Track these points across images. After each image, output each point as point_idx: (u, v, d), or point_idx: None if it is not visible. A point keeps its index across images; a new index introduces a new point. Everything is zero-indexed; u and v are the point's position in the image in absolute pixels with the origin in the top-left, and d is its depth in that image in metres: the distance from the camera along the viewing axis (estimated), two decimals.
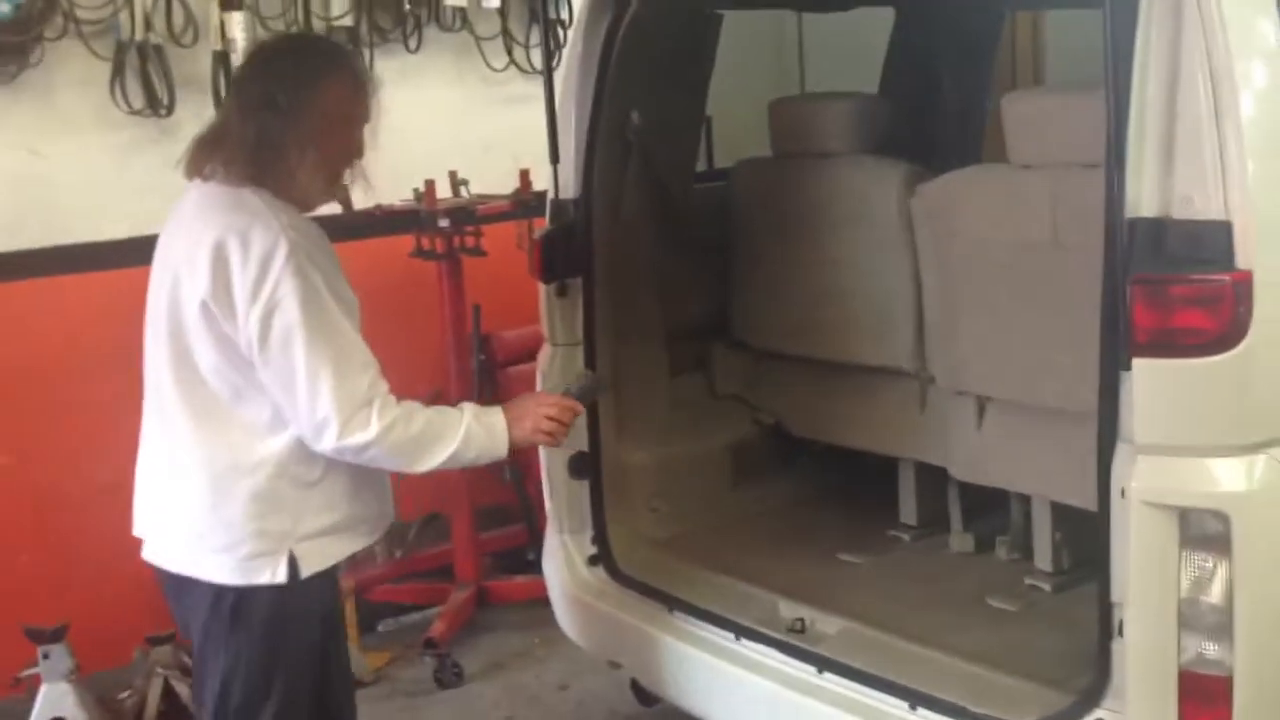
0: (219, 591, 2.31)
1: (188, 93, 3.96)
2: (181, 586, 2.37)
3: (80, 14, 3.74)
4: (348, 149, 2.37)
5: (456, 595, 4.19)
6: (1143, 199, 1.99)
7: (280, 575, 2.30)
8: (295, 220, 2.29)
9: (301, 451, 2.28)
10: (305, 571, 2.31)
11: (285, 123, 2.27)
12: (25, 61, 3.69)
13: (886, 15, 3.84)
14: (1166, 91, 1.96)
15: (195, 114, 3.94)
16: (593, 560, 3.09)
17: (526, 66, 4.67)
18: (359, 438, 2.24)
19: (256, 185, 2.28)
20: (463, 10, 4.48)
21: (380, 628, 4.31)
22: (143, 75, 3.85)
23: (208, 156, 2.33)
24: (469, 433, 2.34)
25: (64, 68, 3.75)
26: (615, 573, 3.05)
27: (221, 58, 3.95)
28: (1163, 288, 1.98)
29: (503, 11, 4.58)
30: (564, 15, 4.39)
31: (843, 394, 3.25)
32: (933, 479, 3.12)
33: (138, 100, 3.87)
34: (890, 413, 3.14)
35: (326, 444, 2.25)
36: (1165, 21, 1.96)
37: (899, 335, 3.03)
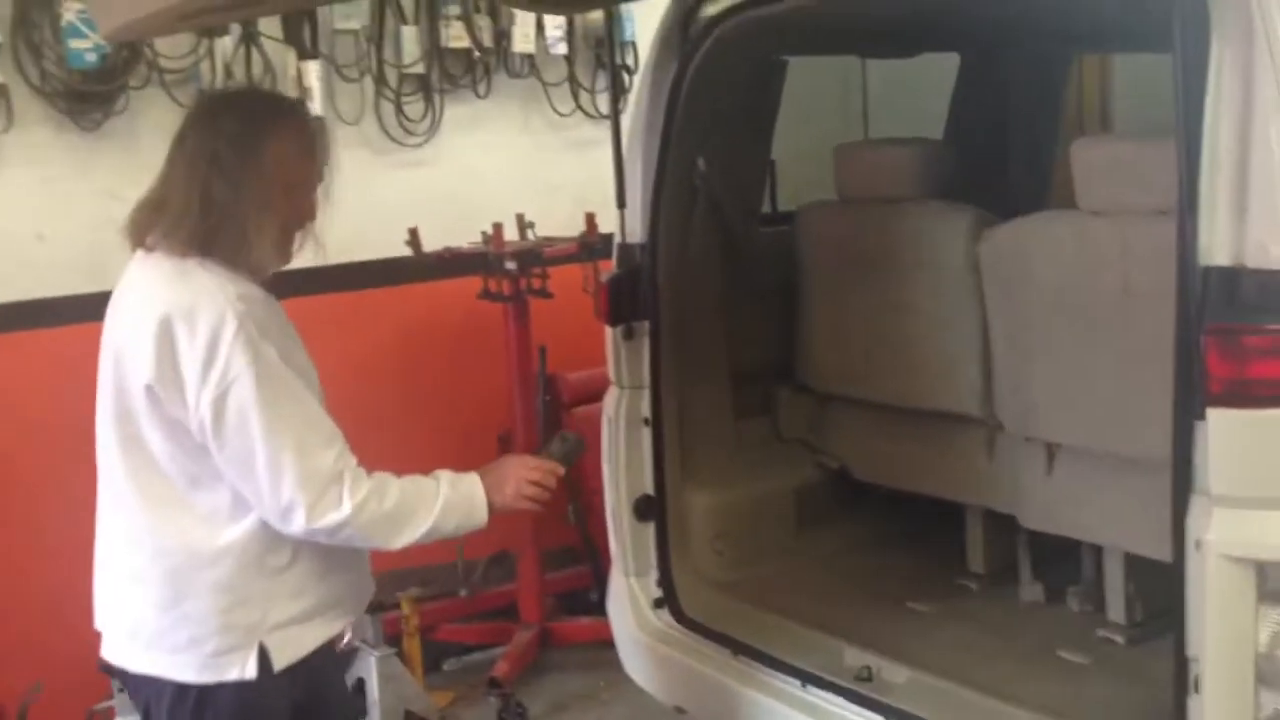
0: (180, 690, 2.15)
1: None
2: (140, 684, 2.22)
3: (164, 63, 3.86)
4: (299, 211, 2.21)
5: (521, 635, 4.20)
6: (1216, 247, 1.96)
7: (250, 671, 2.13)
8: (245, 290, 2.12)
9: (267, 536, 2.13)
10: (279, 664, 2.15)
11: (232, 185, 2.11)
12: (110, 109, 3.81)
13: (950, 60, 3.84)
14: (1239, 137, 1.93)
15: None
16: (658, 603, 3.08)
17: (592, 111, 4.74)
18: (331, 518, 2.09)
19: (202, 254, 2.12)
20: (531, 57, 4.56)
21: (445, 666, 4.33)
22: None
23: (149, 224, 2.17)
24: (446, 504, 2.19)
25: (147, 115, 3.86)
26: (680, 616, 3.04)
27: None
28: (1237, 338, 1.95)
29: (569, 58, 4.65)
30: (629, 61, 4.48)
31: (908, 439, 3.23)
32: (1001, 526, 3.08)
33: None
34: (957, 459, 3.11)
35: (296, 528, 2.10)
36: (1237, 66, 1.93)
37: (966, 380, 3.01)
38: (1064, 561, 3.01)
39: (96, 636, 2.28)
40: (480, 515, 2.25)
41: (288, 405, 2.09)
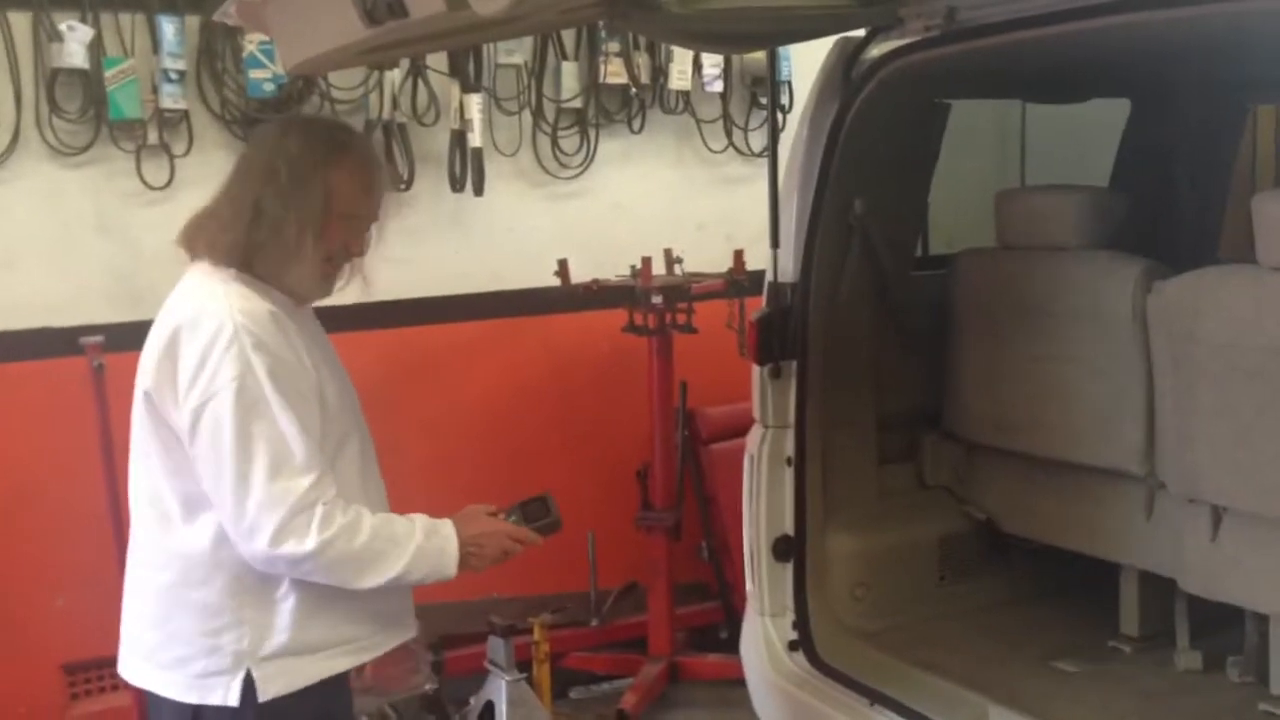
0: (177, 709, 2.14)
1: (425, 168, 4.20)
2: (151, 701, 2.22)
3: (335, 94, 4.03)
4: (346, 245, 2.18)
5: (649, 668, 4.20)
6: None
7: (232, 698, 2.09)
8: (257, 305, 2.07)
9: None
10: (265, 694, 2.10)
11: (282, 203, 2.09)
12: None
13: (1107, 107, 3.74)
14: None
15: (430, 188, 4.21)
16: (793, 646, 3.04)
17: (745, 149, 4.76)
18: (292, 548, 2.01)
19: (242, 267, 2.11)
20: (686, 94, 4.60)
21: (572, 694, 4.35)
22: (386, 151, 4.09)
23: (200, 232, 2.17)
24: (419, 552, 2.12)
25: None
26: (815, 660, 3.00)
27: (459, 136, 4.17)
28: None
29: (724, 95, 4.68)
30: (784, 101, 4.48)
31: (1061, 494, 3.13)
32: (1158, 589, 2.96)
33: (394, 183, 4.03)
34: (1113, 517, 3.00)
35: (257, 550, 2.02)
36: None
37: (1126, 437, 2.90)
38: (1225, 629, 2.87)
39: None
40: (450, 569, 2.17)
41: (266, 425, 2.02)
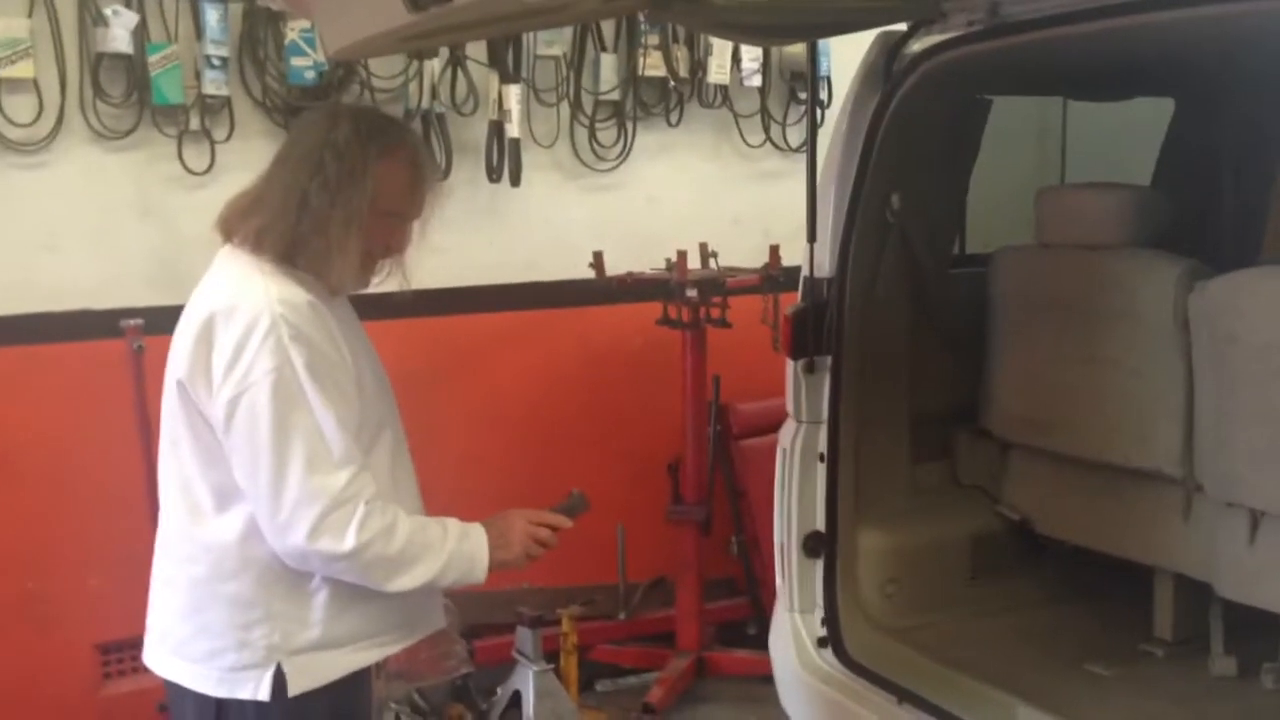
0: (201, 702, 2.12)
1: (462, 157, 4.22)
2: (173, 692, 2.19)
3: (376, 82, 4.05)
4: (388, 240, 2.16)
5: (676, 662, 4.20)
6: None
7: (263, 692, 2.07)
8: (295, 294, 2.04)
9: None
10: (295, 689, 2.08)
11: (329, 195, 2.05)
12: None
13: (1146, 105, 3.70)
14: None
15: (467, 178, 4.22)
16: (822, 642, 3.03)
17: (782, 144, 4.75)
18: (328, 545, 2.00)
19: (283, 258, 2.08)
20: (724, 88, 4.60)
21: (599, 686, 4.36)
22: (424, 140, 4.11)
23: (242, 218, 2.13)
24: (451, 558, 2.12)
25: None
26: (844, 657, 2.98)
27: (497, 127, 4.19)
28: None
29: (763, 90, 4.67)
30: (822, 95, 4.47)
31: (1096, 494, 3.10)
32: (1193, 593, 2.93)
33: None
34: (1149, 519, 2.97)
35: (291, 545, 2.00)
36: None
37: (1164, 438, 2.87)
38: (1260, 635, 2.83)
39: None
40: (480, 573, 2.17)
41: (303, 418, 2.00)
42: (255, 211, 2.12)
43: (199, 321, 2.05)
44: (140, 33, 3.73)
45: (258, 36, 3.90)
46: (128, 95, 3.76)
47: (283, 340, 2.00)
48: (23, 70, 3.61)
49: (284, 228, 2.07)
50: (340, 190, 2.06)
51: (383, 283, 2.25)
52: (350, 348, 2.13)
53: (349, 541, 2.01)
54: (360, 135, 2.10)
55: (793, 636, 3.07)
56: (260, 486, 2.01)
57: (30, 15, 3.64)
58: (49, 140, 3.70)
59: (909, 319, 3.23)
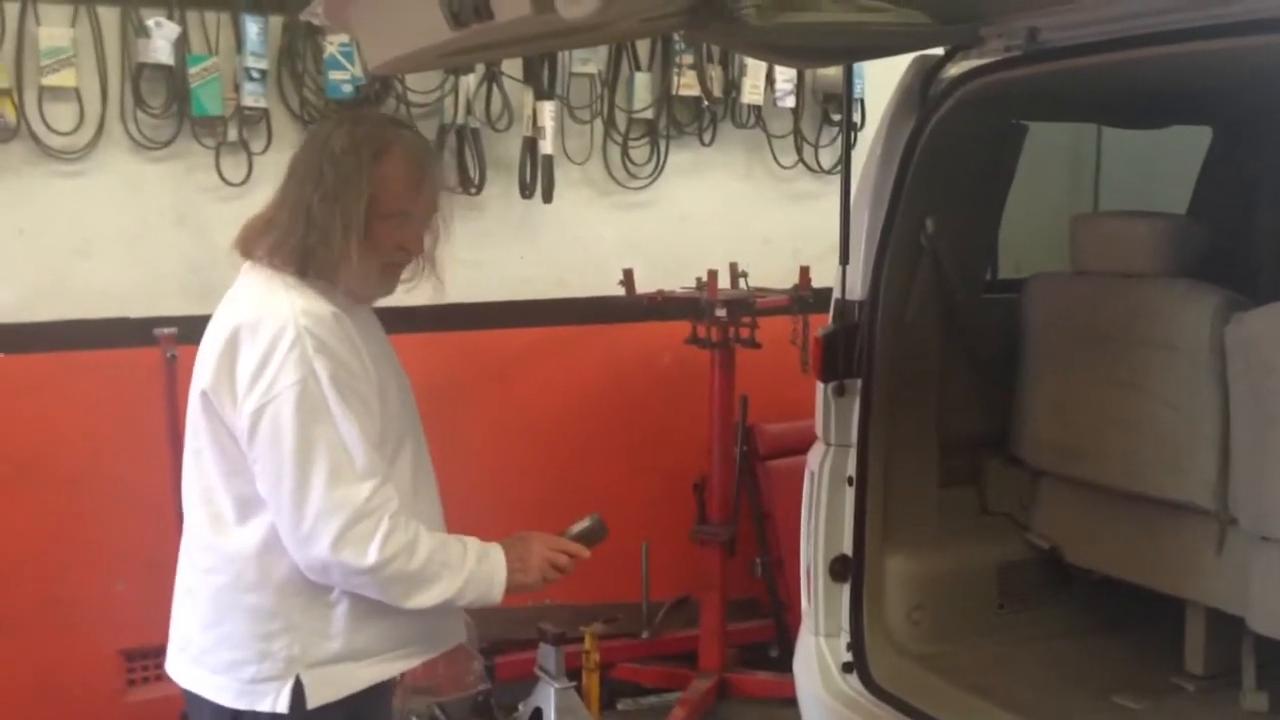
0: (220, 713, 2.13)
1: (496, 173, 4.24)
2: (192, 702, 2.20)
3: (412, 97, 4.08)
4: (401, 242, 2.14)
5: (698, 683, 4.18)
6: None
7: (282, 704, 2.08)
8: (319, 306, 2.05)
9: None
10: (314, 701, 2.09)
11: (329, 204, 2.05)
12: None
13: (1180, 133, 3.67)
14: None
15: (500, 194, 4.24)
16: (847, 667, 3.01)
17: (814, 165, 4.75)
18: (350, 558, 2.00)
19: (300, 272, 2.09)
20: (758, 108, 4.60)
21: (620, 705, 4.34)
22: (459, 155, 4.14)
23: (258, 237, 2.15)
24: (470, 577, 2.12)
25: None
26: (870, 683, 2.96)
27: (530, 143, 4.21)
28: None
29: (796, 111, 4.67)
30: (856, 118, 4.46)
31: (1128, 525, 3.07)
32: (1225, 627, 2.89)
33: (451, 178, 4.14)
34: (1181, 551, 2.94)
35: (313, 557, 2.01)
36: None
37: (1199, 470, 2.84)
38: None
39: None
40: (497, 594, 2.17)
41: (326, 430, 2.01)
42: (268, 229, 2.14)
43: (224, 334, 2.07)
44: (181, 44, 3.77)
45: (297, 50, 3.94)
46: (167, 106, 3.80)
47: (307, 353, 2.01)
48: (65, 79, 3.67)
49: (295, 242, 2.09)
50: (339, 198, 2.06)
51: (417, 287, 2.24)
52: (374, 359, 2.14)
53: (371, 556, 2.01)
54: (354, 142, 2.10)
55: (818, 660, 3.05)
56: (283, 498, 2.02)
57: (73, 25, 3.69)
58: (89, 149, 3.75)
59: (940, 343, 3.21)
